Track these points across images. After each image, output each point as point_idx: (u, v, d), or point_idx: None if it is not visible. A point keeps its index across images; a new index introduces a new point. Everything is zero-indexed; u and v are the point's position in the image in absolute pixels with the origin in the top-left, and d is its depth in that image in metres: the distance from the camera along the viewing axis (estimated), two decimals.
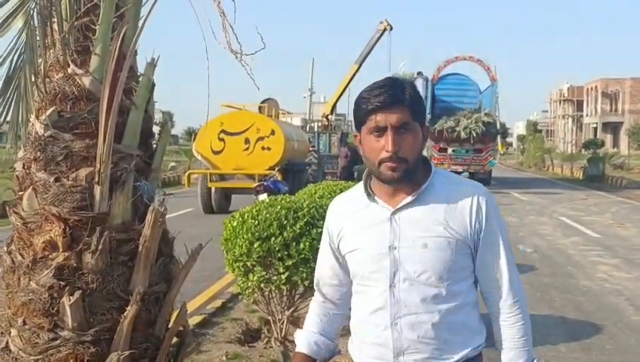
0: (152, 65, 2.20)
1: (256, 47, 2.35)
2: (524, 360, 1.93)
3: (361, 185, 2.00)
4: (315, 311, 2.17)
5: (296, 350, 2.12)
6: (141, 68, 2.26)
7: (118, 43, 2.04)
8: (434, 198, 1.89)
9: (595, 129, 65.78)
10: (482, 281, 1.95)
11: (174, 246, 2.42)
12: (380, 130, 1.82)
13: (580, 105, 72.32)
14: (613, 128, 65.03)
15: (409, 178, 1.86)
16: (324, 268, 2.10)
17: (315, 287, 2.17)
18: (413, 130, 1.85)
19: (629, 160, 43.39)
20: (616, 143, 63.22)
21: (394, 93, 1.82)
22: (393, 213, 1.89)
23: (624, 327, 6.52)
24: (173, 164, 33.69)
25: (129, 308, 2.06)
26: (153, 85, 2.28)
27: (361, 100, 1.87)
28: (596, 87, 66.50)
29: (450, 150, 27.69)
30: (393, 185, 1.88)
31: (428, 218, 1.87)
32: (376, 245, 1.90)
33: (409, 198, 1.88)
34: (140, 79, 2.23)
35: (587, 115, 69.92)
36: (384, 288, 1.88)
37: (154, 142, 2.34)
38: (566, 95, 76.80)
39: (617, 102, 65.77)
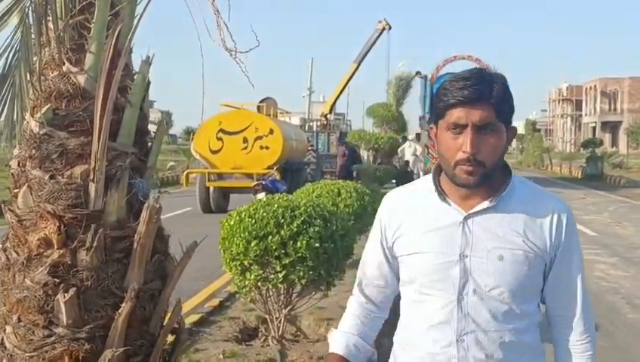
0: (147, 63, 2.21)
1: (253, 46, 2.36)
2: None
3: (425, 180, 1.84)
4: (354, 312, 1.98)
5: (332, 351, 1.93)
6: (136, 66, 2.27)
7: (113, 41, 2.05)
8: (513, 207, 1.72)
9: (594, 128, 65.85)
10: (551, 301, 1.78)
11: (171, 245, 2.42)
12: (460, 128, 1.65)
13: (578, 105, 72.39)
14: (612, 127, 65.08)
15: (485, 183, 1.69)
16: (371, 267, 1.93)
17: (357, 286, 1.99)
18: (497, 131, 1.66)
19: (627, 159, 43.48)
20: (615, 142, 63.27)
21: (480, 88, 1.63)
22: (466, 218, 1.71)
23: (620, 325, 6.54)
24: (171, 163, 33.71)
25: (124, 304, 2.07)
26: (148, 83, 2.28)
27: (442, 91, 1.69)
28: (595, 86, 66.58)
29: None
30: (469, 189, 1.71)
31: (506, 227, 1.70)
32: (444, 251, 1.72)
33: (486, 203, 1.71)
34: (135, 77, 2.24)
35: (586, 115, 70.00)
36: (450, 300, 1.71)
37: (149, 140, 2.35)
38: (565, 94, 76.88)
39: (616, 102, 65.82)
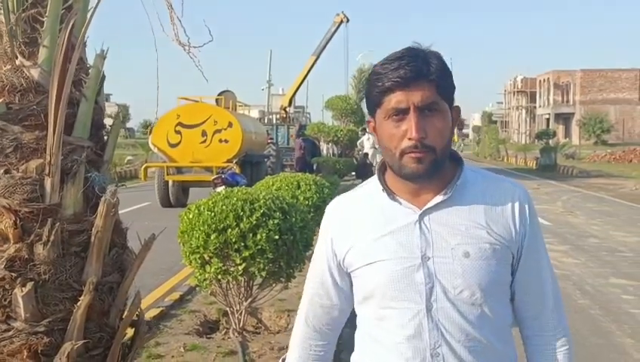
0: (101, 56, 2.20)
1: (210, 40, 2.38)
2: None
3: (370, 181, 1.67)
4: (294, 346, 1.80)
5: None
6: (90, 59, 2.26)
7: (67, 35, 2.04)
8: (470, 197, 1.55)
9: (548, 120, 67.31)
10: (521, 297, 1.60)
11: (130, 239, 2.43)
12: (401, 113, 1.47)
13: (533, 97, 73.86)
14: (564, 119, 66.65)
15: (437, 171, 1.51)
16: (314, 285, 1.73)
17: (299, 310, 1.80)
18: (442, 110, 1.49)
19: (579, 150, 44.62)
20: (567, 134, 64.83)
21: (416, 64, 1.45)
22: (421, 215, 1.53)
23: (570, 310, 6.75)
24: (129, 157, 33.27)
25: (82, 297, 2.07)
26: (103, 77, 2.28)
27: (374, 77, 1.50)
28: (548, 78, 68.04)
29: None
30: (418, 182, 1.53)
31: (466, 220, 1.52)
32: (403, 256, 1.52)
33: (440, 197, 1.53)
34: (90, 71, 2.23)
35: (540, 106, 71.47)
36: (418, 309, 1.51)
37: (105, 133, 2.35)
38: (520, 87, 78.33)
39: (569, 94, 67.39)
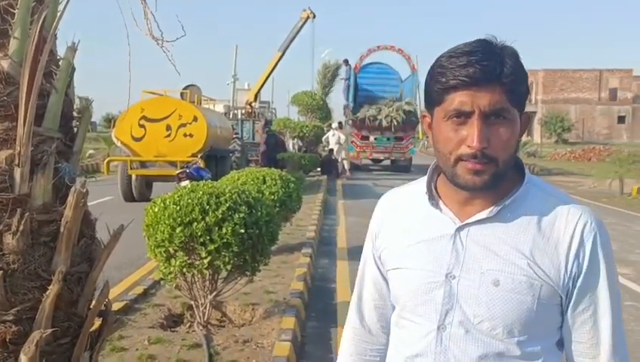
0: (72, 49, 2.23)
1: (178, 34, 2.42)
2: None
3: (422, 180, 1.50)
4: (346, 351, 1.69)
5: None
6: (61, 52, 2.29)
7: (38, 27, 2.06)
8: (522, 218, 1.37)
9: None
10: (570, 344, 1.40)
11: (97, 230, 2.46)
12: (463, 116, 1.30)
13: None
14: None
15: (496, 186, 1.34)
16: (366, 282, 1.63)
17: (353, 307, 1.68)
18: (511, 119, 1.31)
19: (541, 148, 45.50)
20: (530, 132, 65.96)
21: (489, 64, 1.27)
22: (459, 229, 1.40)
23: None
24: (91, 151, 32.79)
25: (51, 287, 2.10)
26: (73, 69, 2.31)
27: (438, 70, 1.33)
28: None
29: (372, 138, 28.25)
30: (472, 192, 1.38)
31: (508, 245, 1.35)
32: (430, 269, 1.41)
33: (485, 213, 1.38)
34: (60, 63, 2.25)
35: None
36: (431, 328, 1.40)
37: (75, 125, 2.37)
38: None
39: (531, 93, 68.48)
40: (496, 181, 1.33)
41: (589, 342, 1.37)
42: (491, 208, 1.37)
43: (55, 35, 2.24)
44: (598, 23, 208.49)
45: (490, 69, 1.27)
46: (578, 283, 1.34)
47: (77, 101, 2.41)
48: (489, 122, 1.29)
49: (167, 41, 2.20)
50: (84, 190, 2.19)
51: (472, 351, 1.36)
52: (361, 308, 1.65)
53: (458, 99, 1.29)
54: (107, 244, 2.32)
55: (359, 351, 1.65)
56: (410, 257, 1.45)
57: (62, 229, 2.17)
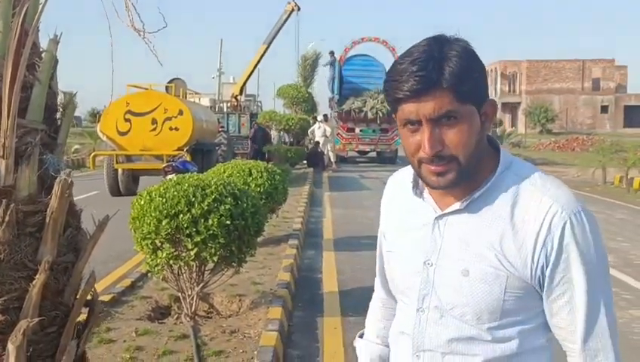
0: (54, 41, 2.25)
1: (160, 26, 2.45)
2: None
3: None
4: (375, 316, 1.81)
5: None
6: (44, 44, 2.31)
7: (20, 20, 2.08)
8: (494, 208, 1.39)
9: None
10: (553, 329, 1.43)
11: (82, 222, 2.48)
12: (415, 123, 1.35)
13: None
14: (511, 108, 68.21)
15: (464, 181, 1.38)
16: (380, 256, 1.73)
17: (376, 285, 1.81)
18: (463, 116, 1.33)
19: (525, 138, 45.82)
20: (514, 123, 66.40)
21: (425, 74, 1.29)
22: (438, 218, 1.45)
23: None
24: (77, 146, 32.59)
25: (37, 276, 2.13)
26: (56, 61, 2.32)
27: (387, 83, 1.37)
28: (496, 68, 69.41)
29: (357, 130, 28.33)
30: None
31: (477, 236, 1.39)
32: (413, 255, 1.48)
33: (458, 204, 1.42)
34: (43, 55, 2.27)
35: None
36: (413, 310, 1.48)
37: (59, 117, 2.39)
38: None
39: (515, 83, 68.97)
40: (464, 177, 1.37)
41: (568, 328, 1.39)
42: (464, 199, 1.41)
43: (37, 28, 2.26)
44: (581, 13, 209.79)
45: (426, 80, 1.29)
46: (548, 273, 1.35)
47: (61, 95, 2.43)
48: (440, 124, 1.33)
49: (149, 33, 2.23)
50: (70, 180, 2.22)
51: (445, 333, 1.43)
52: (382, 280, 1.75)
53: (406, 110, 1.34)
54: (93, 234, 2.35)
55: (386, 316, 1.77)
56: (399, 243, 1.54)
57: (47, 220, 2.20)
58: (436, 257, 1.43)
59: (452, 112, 1.31)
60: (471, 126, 1.34)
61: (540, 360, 1.44)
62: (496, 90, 69.66)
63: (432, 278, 1.44)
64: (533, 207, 1.36)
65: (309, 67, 34.10)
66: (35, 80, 2.25)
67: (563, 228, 1.33)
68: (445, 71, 1.29)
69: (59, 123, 2.38)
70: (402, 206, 1.55)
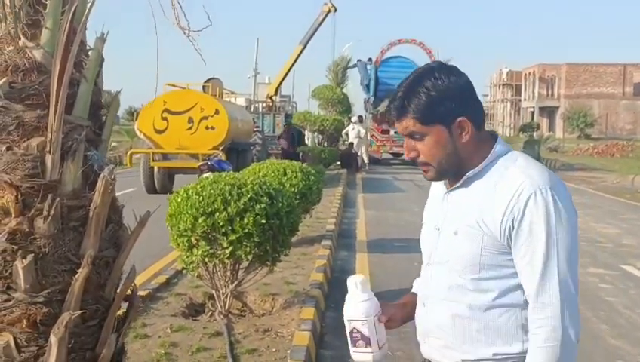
0: (101, 39, 2.29)
1: (209, 25, 2.47)
2: None
3: None
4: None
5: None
6: (90, 42, 2.35)
7: (69, 18, 2.12)
8: (483, 184, 1.76)
9: (533, 113, 67.75)
10: (522, 283, 1.73)
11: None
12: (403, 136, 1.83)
13: (518, 90, 74.20)
14: (549, 112, 67.15)
15: (446, 177, 1.83)
16: None
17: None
18: (428, 134, 1.75)
19: (563, 143, 45.02)
20: (551, 127, 65.33)
21: (397, 105, 1.77)
22: (447, 193, 1.86)
23: None
24: (114, 143, 33.10)
25: (80, 270, 2.16)
26: (102, 59, 2.37)
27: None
28: (534, 72, 68.44)
29: (392, 132, 28.18)
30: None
31: (466, 205, 1.77)
32: (430, 223, 1.91)
33: (460, 182, 1.81)
34: (90, 53, 2.32)
35: (525, 99, 71.86)
36: (426, 264, 1.90)
37: (103, 114, 2.44)
38: (505, 79, 78.66)
39: (554, 87, 67.86)
40: (443, 175, 1.83)
41: (527, 285, 1.69)
42: (463, 178, 1.80)
43: (85, 26, 2.30)
44: (623, 17, 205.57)
45: (397, 109, 1.77)
46: (514, 235, 1.68)
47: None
48: (414, 138, 1.78)
49: (194, 31, 2.25)
50: (113, 177, 2.25)
51: (443, 281, 1.81)
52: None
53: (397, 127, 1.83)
54: (134, 230, 2.39)
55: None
56: (426, 216, 1.97)
57: (90, 214, 2.24)
58: (442, 223, 1.84)
59: (415, 133, 1.77)
60: (438, 140, 1.75)
61: (512, 317, 1.73)
62: (534, 94, 68.74)
63: (437, 239, 1.84)
64: (510, 181, 1.70)
65: (340, 73, 34.03)
66: (82, 77, 2.29)
67: (528, 199, 1.66)
68: (411, 106, 1.74)
69: (103, 120, 2.42)
70: (435, 189, 1.97)
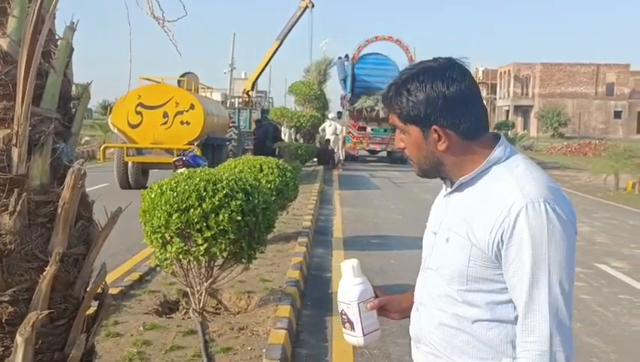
0: (71, 29, 2.20)
1: (184, 15, 2.40)
2: None
3: None
4: None
5: None
6: (60, 31, 2.26)
7: (37, 6, 2.04)
8: (477, 192, 1.69)
9: (508, 111, 68.42)
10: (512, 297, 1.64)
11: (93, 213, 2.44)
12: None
13: (493, 88, 74.87)
14: (524, 111, 67.88)
15: (432, 177, 1.78)
16: None
17: None
18: (407, 132, 1.73)
19: (537, 142, 45.53)
20: (526, 125, 66.05)
21: (385, 99, 1.76)
22: (446, 196, 1.80)
23: None
24: (87, 138, 32.71)
25: (48, 268, 2.09)
26: (72, 49, 2.28)
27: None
28: (509, 71, 69.11)
29: (369, 129, 28.23)
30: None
31: (461, 212, 1.70)
32: (430, 225, 1.85)
33: (454, 187, 1.76)
34: (59, 43, 2.23)
35: (500, 98, 72.56)
36: (421, 268, 1.84)
37: (73, 106, 2.35)
38: (481, 78, 79.27)
39: (528, 87, 68.60)
40: (427, 173, 1.78)
41: (518, 307, 1.60)
42: (456, 182, 1.74)
43: (54, 15, 2.22)
44: (596, 17, 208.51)
45: (386, 103, 1.77)
46: (503, 251, 1.58)
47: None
48: (399, 132, 1.77)
49: (169, 21, 2.18)
50: (82, 171, 2.17)
51: (434, 288, 1.75)
52: None
53: None
54: (105, 226, 2.31)
55: None
56: (430, 216, 1.89)
57: (59, 210, 2.16)
58: (438, 227, 1.77)
59: (398, 127, 1.76)
60: (414, 140, 1.73)
61: (507, 331, 1.64)
62: (509, 93, 69.39)
63: (433, 244, 1.78)
64: (503, 193, 1.61)
65: (322, 72, 33.94)
66: (51, 68, 2.21)
67: (518, 213, 1.56)
68: (396, 102, 1.72)
69: (73, 112, 2.34)
70: (442, 190, 1.87)
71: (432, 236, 1.80)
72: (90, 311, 2.39)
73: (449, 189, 1.78)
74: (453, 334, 1.69)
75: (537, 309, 1.55)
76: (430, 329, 1.75)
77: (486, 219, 1.60)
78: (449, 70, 1.67)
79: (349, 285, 1.88)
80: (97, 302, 2.41)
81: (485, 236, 1.60)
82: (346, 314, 1.88)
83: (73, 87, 2.40)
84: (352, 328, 1.87)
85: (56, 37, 2.28)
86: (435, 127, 1.67)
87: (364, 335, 1.86)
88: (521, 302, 1.57)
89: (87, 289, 2.32)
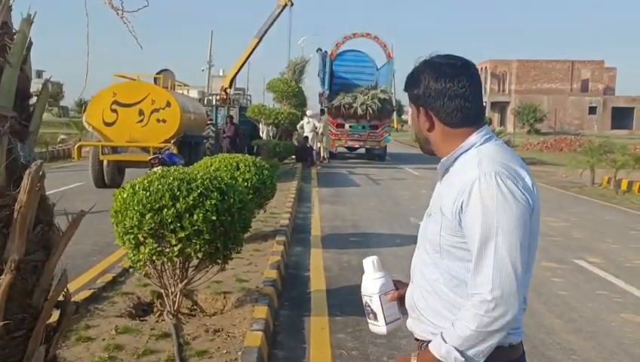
0: (28, 21, 2.07)
1: (145, 5, 2.28)
2: (437, 352, 1.81)
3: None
4: None
5: None
6: (16, 24, 2.13)
7: None
8: (454, 173, 1.94)
9: (484, 108, 68.79)
10: None
11: (61, 218, 2.31)
12: None
13: None
14: (500, 107, 68.33)
15: (428, 152, 2.05)
16: None
17: None
18: (413, 110, 2.02)
19: (514, 138, 45.81)
20: (503, 122, 66.51)
21: (406, 83, 2.02)
22: (439, 180, 2.03)
23: None
24: (63, 136, 32.24)
25: (3, 276, 1.95)
26: (30, 43, 2.15)
27: None
28: (486, 67, 69.46)
29: (347, 126, 28.13)
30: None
31: (441, 191, 1.97)
32: (428, 209, 2.06)
33: (440, 168, 2.01)
34: (15, 36, 2.10)
35: None
36: (416, 247, 2.07)
37: (32, 104, 2.22)
38: None
39: (505, 83, 69.05)
40: (423, 148, 2.07)
41: (472, 265, 1.80)
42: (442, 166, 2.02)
43: (10, 6, 2.09)
44: (572, 14, 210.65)
45: (405, 86, 2.02)
46: (463, 217, 1.81)
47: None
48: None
49: (128, 12, 2.05)
50: (41, 172, 2.04)
51: (418, 263, 2.02)
52: None
53: None
54: (65, 231, 2.18)
55: None
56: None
57: (15, 215, 2.03)
58: (429, 208, 2.01)
59: (410, 104, 2.02)
60: (416, 118, 2.01)
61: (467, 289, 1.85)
62: (485, 89, 69.73)
63: (426, 222, 2.01)
64: (466, 169, 1.86)
65: (298, 71, 33.77)
66: (6, 62, 2.07)
67: (473, 184, 1.80)
68: (408, 82, 2.01)
69: (31, 110, 2.20)
70: None
71: (425, 217, 2.04)
72: (52, 319, 2.26)
73: (440, 174, 2.01)
74: (431, 299, 1.93)
75: (484, 266, 1.75)
76: (418, 297, 1.98)
77: (452, 191, 1.86)
78: (445, 67, 1.92)
79: (371, 279, 2.08)
80: (59, 310, 2.28)
81: (450, 206, 1.85)
82: (369, 306, 2.07)
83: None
84: (376, 318, 2.07)
85: (13, 30, 2.14)
86: (422, 108, 1.97)
87: (386, 324, 2.06)
88: (473, 261, 1.78)
89: (48, 298, 2.19)
